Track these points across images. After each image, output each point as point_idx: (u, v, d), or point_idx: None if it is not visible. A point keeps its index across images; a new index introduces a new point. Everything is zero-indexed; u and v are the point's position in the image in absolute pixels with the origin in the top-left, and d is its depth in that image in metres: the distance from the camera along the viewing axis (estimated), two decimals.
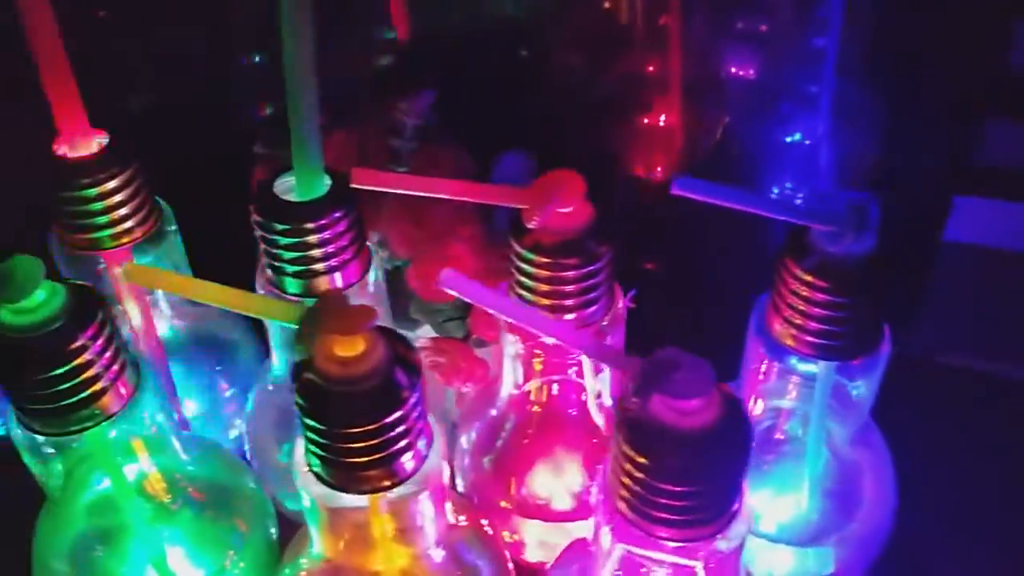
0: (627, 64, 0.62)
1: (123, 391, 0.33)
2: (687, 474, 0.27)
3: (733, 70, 0.65)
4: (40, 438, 0.33)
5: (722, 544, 0.30)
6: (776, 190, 0.70)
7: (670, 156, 0.66)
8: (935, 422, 0.48)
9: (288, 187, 0.37)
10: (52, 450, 0.34)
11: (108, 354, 0.32)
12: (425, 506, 0.33)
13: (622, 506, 0.30)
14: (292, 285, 0.38)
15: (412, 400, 0.30)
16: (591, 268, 0.35)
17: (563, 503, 0.44)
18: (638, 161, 0.65)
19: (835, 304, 0.34)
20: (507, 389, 0.41)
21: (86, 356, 0.32)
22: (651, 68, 0.63)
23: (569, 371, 0.40)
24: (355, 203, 0.37)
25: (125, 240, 0.41)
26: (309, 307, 0.28)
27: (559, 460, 0.44)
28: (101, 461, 0.34)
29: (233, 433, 0.49)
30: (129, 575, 0.38)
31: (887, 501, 0.42)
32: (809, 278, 0.33)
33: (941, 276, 0.47)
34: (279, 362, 0.42)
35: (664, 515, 0.29)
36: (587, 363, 0.40)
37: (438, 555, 0.35)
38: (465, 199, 0.34)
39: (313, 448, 0.30)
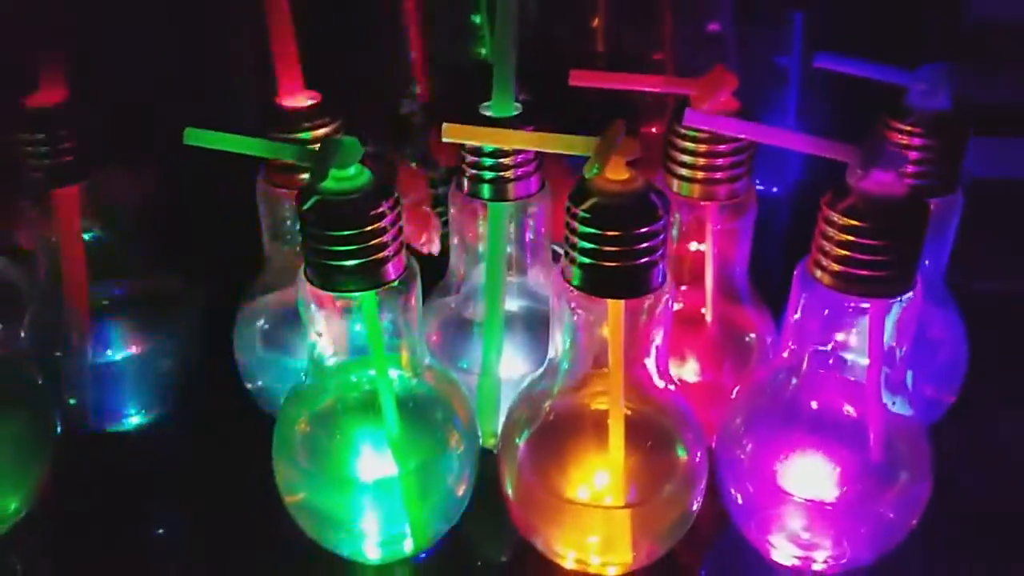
0: None
1: (399, 266, 0.40)
2: (901, 223, 0.37)
3: None
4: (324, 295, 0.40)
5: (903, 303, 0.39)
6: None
7: None
8: None
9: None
10: (331, 311, 0.40)
11: (395, 229, 0.39)
12: (656, 323, 0.41)
13: (825, 278, 0.39)
14: (486, 191, 0.46)
15: (663, 220, 0.38)
16: (738, 145, 0.45)
17: None
18: None
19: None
20: None
21: (382, 223, 0.38)
22: None
23: None
24: (542, 126, 0.45)
25: None
26: (600, 137, 0.37)
27: None
28: (369, 325, 0.40)
29: None
30: (372, 440, 0.44)
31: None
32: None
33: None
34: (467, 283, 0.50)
35: (868, 272, 0.38)
36: None
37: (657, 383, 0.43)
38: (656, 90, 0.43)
39: (581, 258, 0.38)
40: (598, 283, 0.39)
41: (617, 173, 0.38)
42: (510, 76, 0.45)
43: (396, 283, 0.40)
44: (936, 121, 0.45)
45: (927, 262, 0.49)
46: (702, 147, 0.45)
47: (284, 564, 0.48)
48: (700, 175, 0.46)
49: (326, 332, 0.42)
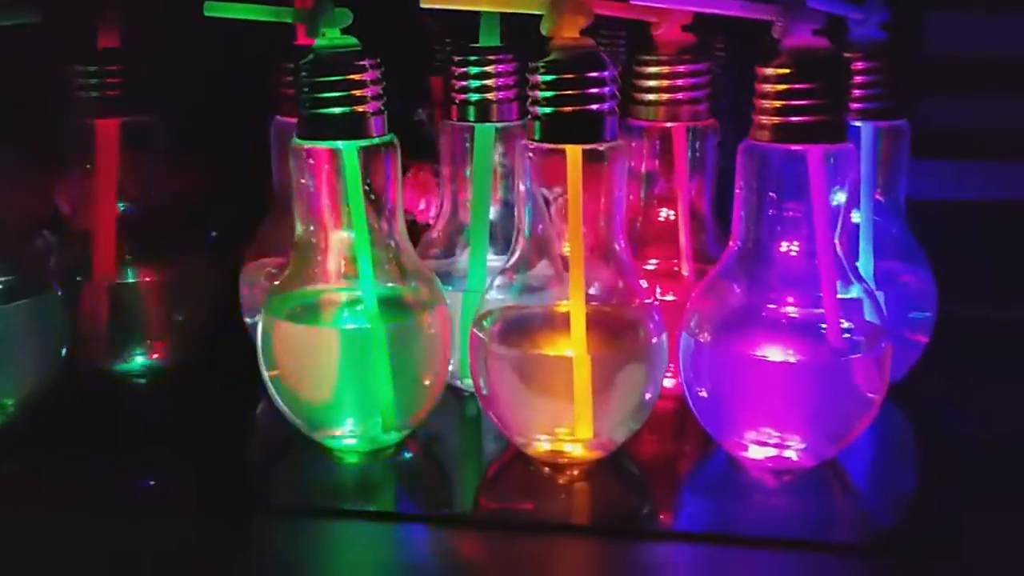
0: None
1: (379, 126, 0.45)
2: (826, 68, 0.42)
3: None
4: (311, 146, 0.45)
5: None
6: None
7: None
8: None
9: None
10: (326, 163, 0.45)
11: (377, 89, 0.45)
12: (612, 184, 0.44)
13: (763, 135, 0.43)
14: (472, 113, 0.52)
15: (611, 71, 0.43)
16: (700, 66, 0.51)
17: None
18: None
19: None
20: None
21: (363, 76, 0.44)
22: None
23: None
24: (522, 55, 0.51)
25: None
26: None
27: None
28: (350, 181, 0.45)
29: None
30: (350, 311, 0.47)
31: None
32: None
33: None
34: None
35: (801, 118, 0.42)
36: None
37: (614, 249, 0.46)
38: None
39: (542, 109, 0.43)
40: (556, 131, 0.43)
41: (572, 32, 0.43)
42: (496, 16, 0.52)
43: (377, 141, 0.45)
44: (873, 47, 0.50)
45: (881, 197, 0.53)
46: (664, 68, 0.50)
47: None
48: (664, 96, 0.51)
49: (313, 203, 0.46)
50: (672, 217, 0.54)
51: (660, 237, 0.54)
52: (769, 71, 0.42)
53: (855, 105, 0.50)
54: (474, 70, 0.51)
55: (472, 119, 0.52)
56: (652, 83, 0.51)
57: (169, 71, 0.56)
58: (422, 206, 0.61)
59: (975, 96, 0.68)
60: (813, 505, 0.46)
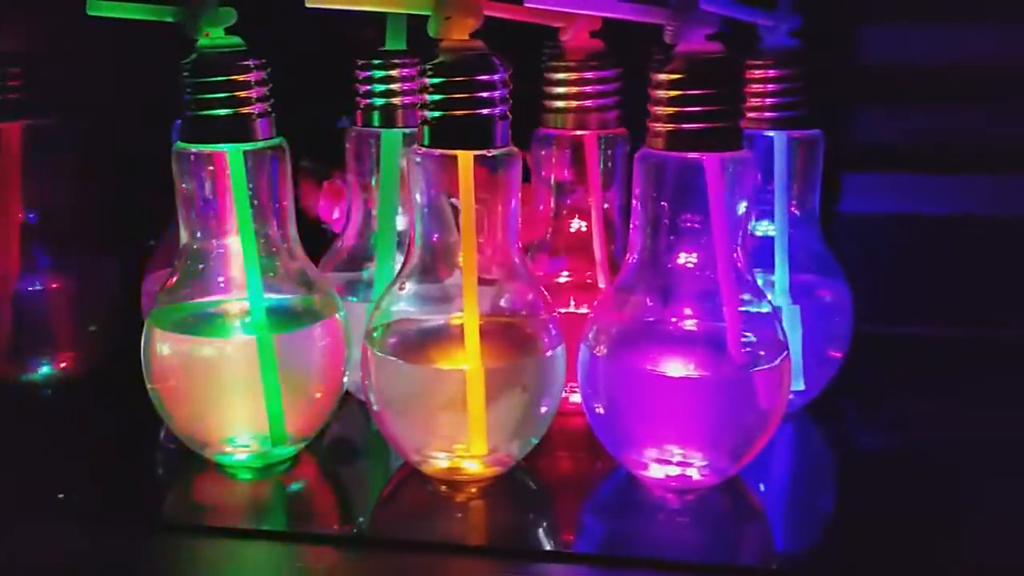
0: None
1: (266, 129, 0.44)
2: (720, 74, 0.40)
3: None
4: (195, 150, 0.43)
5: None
6: None
7: None
8: None
9: None
10: (210, 167, 0.43)
11: (263, 90, 0.43)
12: (506, 189, 0.43)
13: (659, 142, 0.41)
14: (377, 118, 0.51)
15: (502, 74, 0.41)
16: (608, 73, 0.49)
17: None
18: None
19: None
20: None
21: (248, 76, 0.43)
22: None
23: None
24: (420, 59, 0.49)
25: None
26: None
27: None
28: (236, 181, 0.43)
29: None
30: (240, 322, 0.46)
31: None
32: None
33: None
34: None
35: (696, 125, 0.40)
36: None
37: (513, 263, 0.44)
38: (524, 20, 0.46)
39: (431, 114, 0.41)
40: (445, 136, 0.42)
41: (461, 34, 0.42)
42: (403, 20, 0.50)
43: (263, 144, 0.44)
44: (785, 55, 0.49)
45: (796, 209, 0.51)
46: (572, 75, 0.49)
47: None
48: (572, 104, 0.50)
49: (199, 210, 0.45)
50: (585, 228, 0.53)
51: (573, 248, 0.53)
52: (662, 77, 0.41)
53: (768, 114, 0.49)
54: (379, 74, 0.50)
55: (377, 124, 0.51)
56: (560, 90, 0.50)
57: (97, 75, 0.55)
58: (336, 215, 0.60)
59: (911, 106, 0.67)
60: (717, 526, 0.44)
